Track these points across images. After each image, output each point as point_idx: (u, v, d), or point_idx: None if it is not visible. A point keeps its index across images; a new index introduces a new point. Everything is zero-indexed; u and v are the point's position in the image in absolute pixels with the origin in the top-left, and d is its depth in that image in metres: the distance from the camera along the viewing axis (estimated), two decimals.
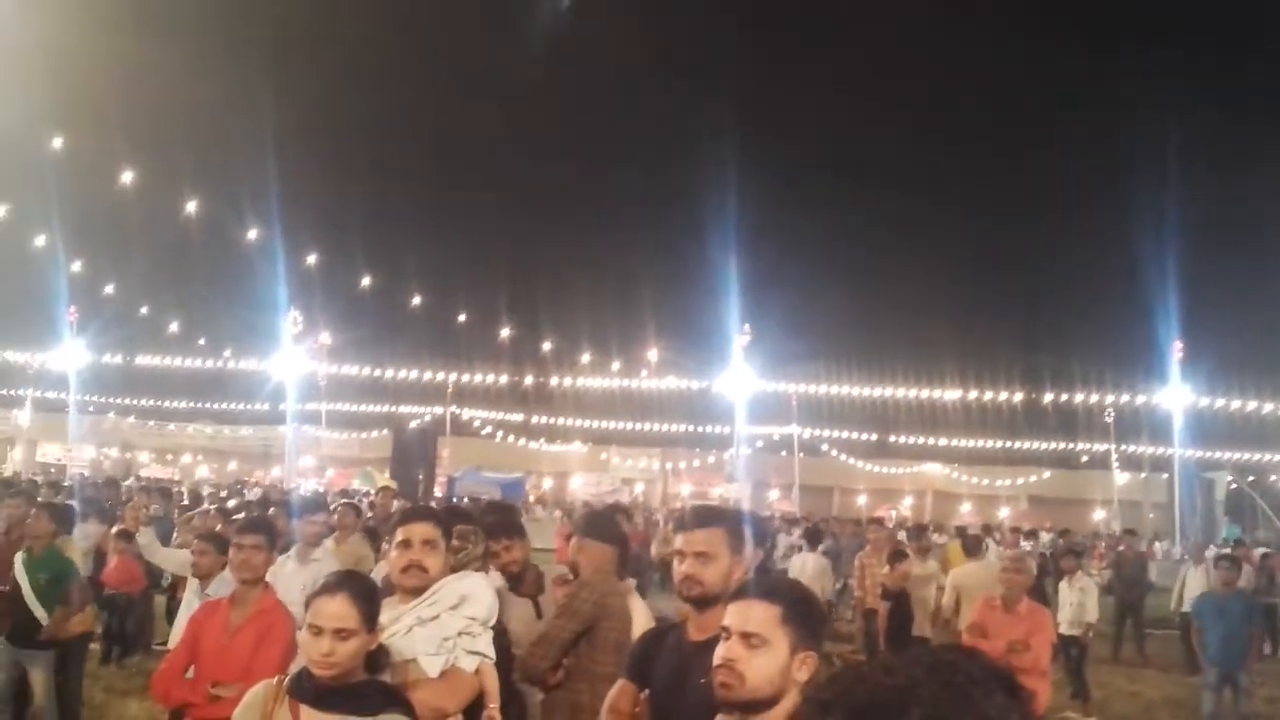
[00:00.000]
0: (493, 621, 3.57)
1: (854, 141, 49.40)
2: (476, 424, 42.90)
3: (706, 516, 3.25)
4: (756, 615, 2.44)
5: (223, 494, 20.14)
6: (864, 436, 42.32)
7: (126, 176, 24.17)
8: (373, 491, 27.95)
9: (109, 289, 31.91)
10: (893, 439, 42.14)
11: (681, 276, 38.64)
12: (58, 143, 23.32)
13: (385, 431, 41.55)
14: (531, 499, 36.16)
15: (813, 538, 12.71)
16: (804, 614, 2.50)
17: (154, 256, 33.17)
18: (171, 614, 10.41)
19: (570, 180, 51.71)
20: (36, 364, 37.26)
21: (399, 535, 3.55)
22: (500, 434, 44.11)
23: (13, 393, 41.60)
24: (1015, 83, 49.19)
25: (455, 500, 23.90)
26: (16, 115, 22.53)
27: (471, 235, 46.29)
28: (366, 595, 2.91)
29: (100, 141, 24.82)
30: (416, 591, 3.45)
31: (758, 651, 2.41)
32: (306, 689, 2.80)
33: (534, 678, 4.06)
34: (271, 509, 9.45)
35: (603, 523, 4.72)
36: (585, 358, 36.08)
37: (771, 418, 36.63)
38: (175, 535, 10.50)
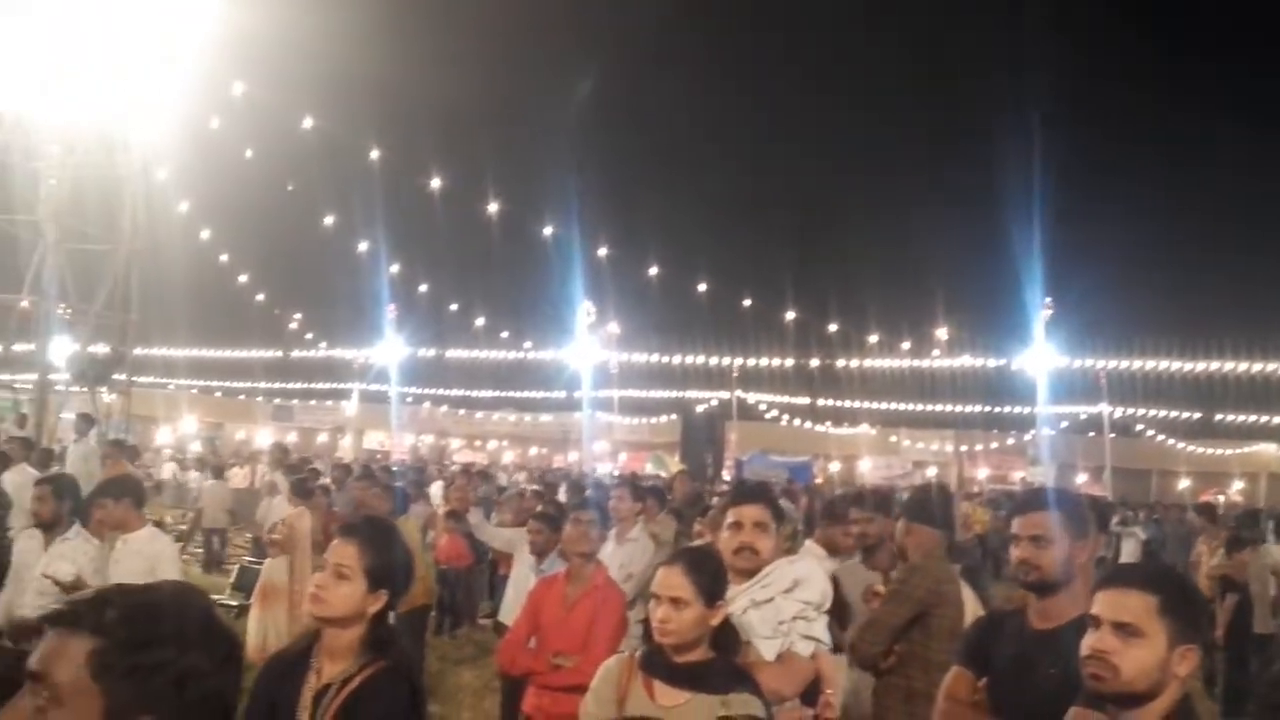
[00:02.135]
0: (827, 606, 3.53)
1: (1168, 96, 45.43)
2: (762, 408, 43.01)
3: (1043, 499, 3.11)
4: (1131, 605, 2.29)
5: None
6: (1185, 415, 38.79)
7: (436, 183, 26.11)
8: (664, 475, 28.71)
9: (423, 288, 34.50)
10: (1219, 417, 38.42)
11: (975, 249, 36.91)
12: (375, 155, 25.43)
13: (673, 416, 42.50)
14: (819, 482, 35.85)
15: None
16: (1184, 604, 2.33)
17: (462, 256, 35.68)
18: (493, 589, 11.14)
19: (856, 156, 50.70)
20: (362, 359, 40.88)
21: (730, 517, 3.57)
22: (786, 417, 44.03)
23: (342, 386, 45.81)
24: None
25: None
26: (343, 133, 24.90)
27: (756, 220, 46.43)
28: (703, 568, 2.96)
29: (414, 152, 27.00)
30: (748, 573, 3.46)
31: (1133, 643, 2.26)
32: (658, 664, 2.87)
33: (865, 662, 4.01)
34: (588, 491, 9.86)
35: (930, 506, 4.59)
36: (873, 338, 35.28)
37: (1077, 396, 34.40)
38: (494, 515, 11.15)
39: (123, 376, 19.81)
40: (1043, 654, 2.82)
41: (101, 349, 18.95)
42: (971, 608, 4.29)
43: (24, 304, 18.88)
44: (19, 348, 20.09)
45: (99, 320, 19.40)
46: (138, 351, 21.92)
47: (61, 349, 18.49)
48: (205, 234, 27.71)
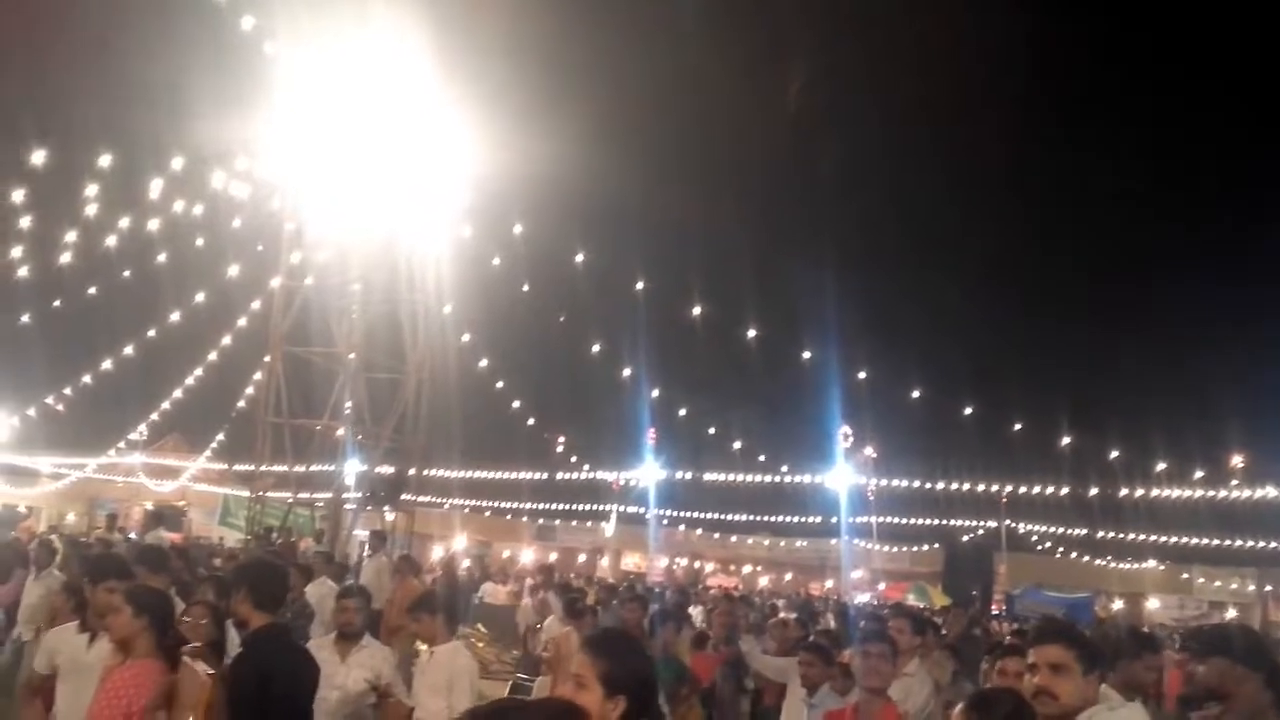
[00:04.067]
0: None
1: None
2: (1034, 539, 40.56)
3: None
4: None
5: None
6: None
7: (697, 310, 26.85)
8: (926, 606, 27.48)
9: (682, 412, 35.13)
10: None
11: (1275, 365, 33.69)
12: (640, 286, 26.51)
13: (936, 545, 40.83)
14: (1102, 618, 33.16)
15: None
16: None
17: (721, 380, 36.18)
18: (755, 718, 10.90)
19: (1136, 266, 47.87)
20: (621, 481, 41.86)
21: (1030, 657, 3.43)
22: (1061, 550, 41.31)
23: (602, 508, 46.97)
24: None
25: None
26: (611, 266, 26.22)
27: (1028, 338, 44.55)
28: (985, 706, 2.87)
29: (674, 282, 27.97)
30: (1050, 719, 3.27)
31: None
32: None
33: None
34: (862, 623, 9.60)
35: (1246, 645, 4.14)
36: (1160, 466, 32.61)
37: None
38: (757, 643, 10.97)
39: (408, 496, 21.24)
40: None
41: (389, 470, 20.45)
42: None
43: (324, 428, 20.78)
44: (315, 468, 21.94)
45: (390, 444, 21.03)
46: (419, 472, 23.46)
47: (353, 469, 20.10)
48: (484, 363, 29.58)
